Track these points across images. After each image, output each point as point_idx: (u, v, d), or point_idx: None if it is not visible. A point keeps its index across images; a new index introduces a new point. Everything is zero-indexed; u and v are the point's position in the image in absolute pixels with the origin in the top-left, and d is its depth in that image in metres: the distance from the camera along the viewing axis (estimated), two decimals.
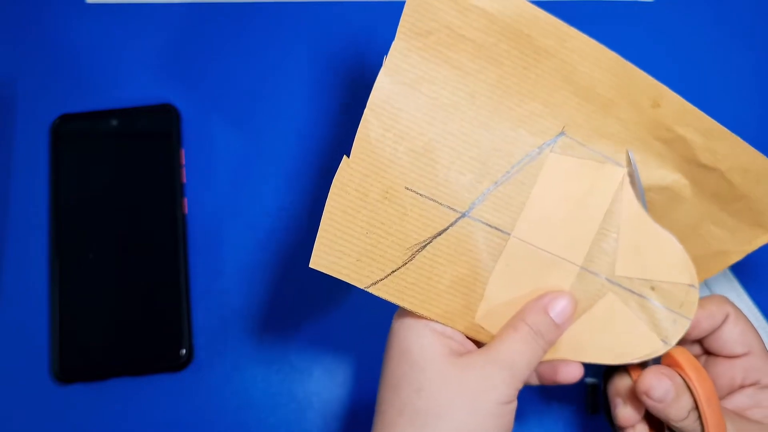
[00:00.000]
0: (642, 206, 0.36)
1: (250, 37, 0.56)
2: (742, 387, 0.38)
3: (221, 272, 0.51)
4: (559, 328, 0.36)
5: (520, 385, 0.35)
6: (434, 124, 0.35)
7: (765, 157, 0.37)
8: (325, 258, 0.36)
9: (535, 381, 0.38)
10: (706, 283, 0.50)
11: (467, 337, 0.37)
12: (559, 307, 0.36)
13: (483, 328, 0.37)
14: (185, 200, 0.52)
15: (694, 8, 0.56)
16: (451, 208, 0.36)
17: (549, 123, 0.36)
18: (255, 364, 0.50)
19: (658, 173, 0.37)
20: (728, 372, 0.38)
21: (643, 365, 0.37)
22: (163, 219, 0.51)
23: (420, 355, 0.34)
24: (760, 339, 0.38)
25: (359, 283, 0.36)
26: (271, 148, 0.54)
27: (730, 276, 0.51)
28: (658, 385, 0.34)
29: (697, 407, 0.34)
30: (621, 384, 0.38)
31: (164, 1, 0.56)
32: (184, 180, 0.52)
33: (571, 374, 0.37)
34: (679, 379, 0.34)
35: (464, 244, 0.36)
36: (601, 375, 0.48)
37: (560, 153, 0.36)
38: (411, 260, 0.36)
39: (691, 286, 0.36)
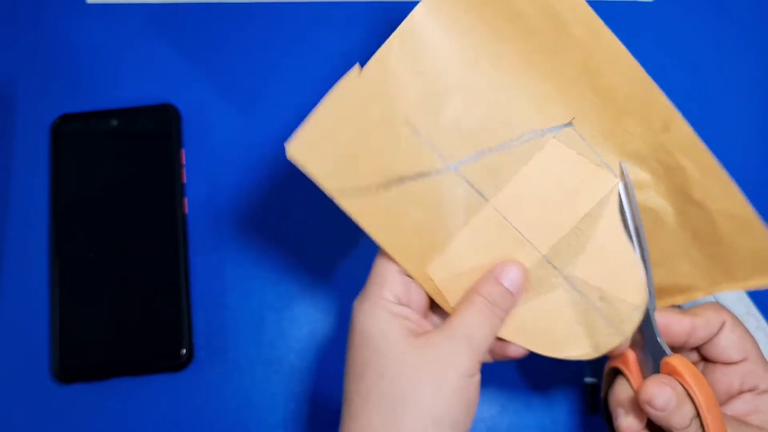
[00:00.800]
0: (636, 217, 0.36)
1: (251, 37, 0.56)
2: (740, 393, 0.38)
3: (221, 272, 0.51)
4: (514, 296, 0.36)
5: (480, 358, 0.35)
6: (453, 72, 0.35)
7: (752, 208, 0.36)
8: (304, 149, 0.34)
9: (488, 358, 0.39)
10: None
11: (428, 303, 0.37)
12: (511, 275, 0.36)
13: (439, 289, 0.36)
14: (185, 200, 0.52)
15: (694, 8, 0.56)
16: (442, 157, 0.36)
17: (560, 110, 0.36)
18: (255, 364, 0.50)
19: (648, 194, 0.37)
20: (726, 378, 0.38)
21: (644, 374, 0.37)
22: (163, 219, 0.51)
23: (380, 340, 0.34)
24: (756, 345, 0.38)
25: (328, 185, 0.34)
26: (272, 148, 0.54)
27: None
28: (660, 394, 0.34)
29: (698, 415, 0.34)
30: (622, 394, 0.38)
31: (164, 1, 0.56)
32: (185, 180, 0.52)
33: (520, 349, 0.37)
34: (679, 388, 0.34)
35: (442, 196, 0.36)
36: (601, 375, 0.48)
37: (562, 142, 0.36)
38: (386, 189, 0.35)
39: (637, 308, 0.36)
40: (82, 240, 0.51)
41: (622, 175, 0.37)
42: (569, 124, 0.36)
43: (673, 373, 0.35)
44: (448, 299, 0.37)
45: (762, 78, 0.56)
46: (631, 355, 0.38)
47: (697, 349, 0.39)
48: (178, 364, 0.49)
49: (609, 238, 0.37)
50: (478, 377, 0.34)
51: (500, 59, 0.35)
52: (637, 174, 0.37)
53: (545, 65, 0.35)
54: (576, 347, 0.37)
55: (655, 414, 0.34)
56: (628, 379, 0.38)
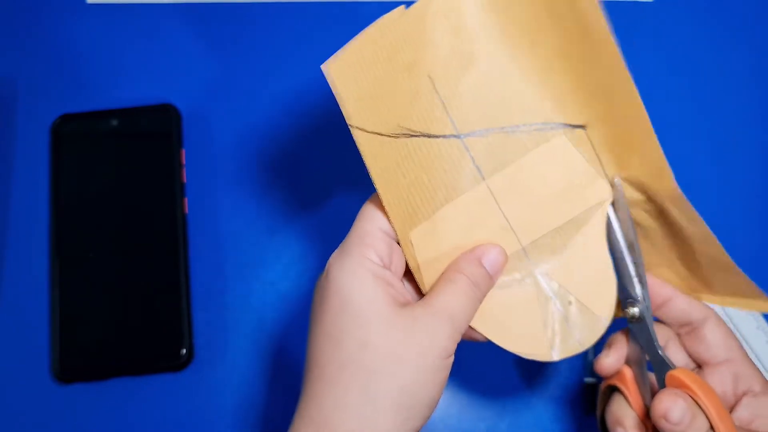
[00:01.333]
0: (629, 231, 0.36)
1: (251, 37, 0.56)
2: (736, 397, 0.37)
3: (221, 272, 0.51)
4: (492, 279, 0.35)
5: (459, 338, 0.34)
6: (486, 42, 0.35)
7: (730, 258, 0.36)
8: (338, 70, 0.34)
9: None
10: None
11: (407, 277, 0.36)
12: (491, 257, 0.35)
13: (415, 256, 0.36)
14: (185, 200, 0.52)
15: (694, 8, 0.56)
16: (452, 123, 0.35)
17: (578, 111, 0.36)
18: (255, 364, 0.50)
19: (638, 212, 0.37)
20: (717, 382, 0.37)
21: (641, 391, 0.37)
22: (163, 219, 0.51)
23: (364, 306, 0.32)
24: (740, 346, 0.38)
25: (347, 113, 0.34)
26: (272, 148, 0.54)
27: None
28: (675, 407, 0.33)
29: (712, 427, 0.33)
30: (619, 411, 0.37)
31: (164, 1, 0.56)
32: (185, 180, 0.52)
33: (480, 335, 0.36)
34: (690, 400, 0.34)
35: (443, 162, 0.36)
36: (599, 375, 0.48)
37: (569, 141, 0.36)
38: (394, 137, 0.35)
39: (603, 321, 0.36)
40: (82, 240, 0.51)
41: (616, 189, 0.36)
42: (582, 126, 0.36)
43: (680, 386, 0.34)
44: (423, 276, 0.36)
45: (762, 78, 0.56)
46: (628, 372, 0.37)
47: (685, 347, 0.39)
48: (178, 364, 0.49)
49: (590, 247, 0.36)
50: (452, 359, 0.34)
51: (535, 45, 0.35)
52: (632, 193, 0.37)
53: (576, 66, 0.35)
54: (533, 346, 0.36)
55: (671, 429, 0.33)
56: (625, 397, 0.37)
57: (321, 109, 0.55)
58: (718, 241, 0.36)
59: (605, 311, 0.36)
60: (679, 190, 0.35)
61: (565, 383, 0.49)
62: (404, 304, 0.34)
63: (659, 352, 0.36)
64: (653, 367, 0.37)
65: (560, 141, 0.36)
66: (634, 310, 0.36)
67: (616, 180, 0.36)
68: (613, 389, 0.38)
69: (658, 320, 0.39)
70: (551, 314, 0.36)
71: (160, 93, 0.54)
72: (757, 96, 0.55)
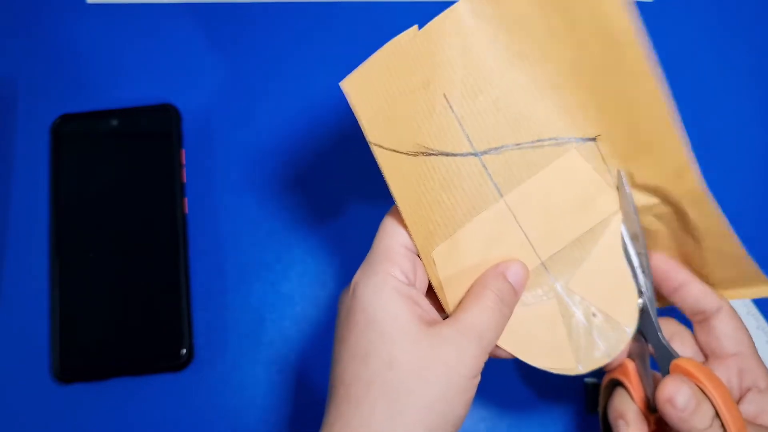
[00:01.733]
0: (635, 221, 0.36)
1: (251, 37, 0.56)
2: (740, 392, 0.37)
3: (221, 272, 0.51)
4: (517, 293, 0.35)
5: (486, 357, 0.34)
6: (500, 61, 0.35)
7: (744, 249, 0.37)
8: (355, 87, 0.35)
9: None
10: None
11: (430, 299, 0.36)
12: (514, 271, 0.35)
13: (438, 275, 0.36)
14: (185, 200, 0.52)
15: (694, 8, 0.56)
16: (469, 141, 0.36)
17: (590, 123, 0.36)
18: (255, 364, 0.50)
19: (646, 216, 0.38)
20: (724, 374, 0.37)
21: (644, 384, 0.37)
22: (163, 219, 0.51)
23: (390, 324, 0.32)
24: (751, 341, 0.38)
25: (365, 130, 0.35)
26: (272, 148, 0.54)
27: None
28: (679, 392, 0.33)
29: (717, 413, 0.33)
30: (622, 405, 0.37)
31: (164, 1, 0.56)
32: (185, 180, 0.52)
33: (504, 352, 0.36)
34: (695, 386, 0.34)
35: (462, 180, 0.36)
36: (599, 374, 0.48)
37: (581, 155, 0.36)
38: (413, 155, 0.35)
39: (627, 329, 0.36)
40: (82, 240, 0.51)
41: (620, 181, 0.37)
42: (593, 139, 0.36)
43: (685, 374, 0.34)
44: (446, 295, 0.36)
45: (762, 78, 0.56)
46: (630, 365, 0.37)
47: (696, 337, 0.39)
48: (178, 364, 0.49)
49: (607, 257, 0.37)
50: (479, 378, 0.34)
51: (547, 59, 0.35)
52: (643, 198, 0.37)
53: (589, 78, 0.35)
54: (560, 360, 0.36)
55: (676, 415, 0.33)
56: (628, 390, 0.37)
57: (321, 109, 0.55)
58: (734, 234, 0.36)
59: (628, 320, 0.36)
60: (704, 187, 0.35)
61: (565, 383, 0.49)
62: (430, 323, 0.33)
63: (663, 342, 0.36)
64: (657, 358, 0.37)
65: (572, 155, 0.36)
66: (638, 301, 0.36)
67: (618, 170, 0.36)
68: (616, 383, 0.38)
69: (662, 316, 0.39)
70: (575, 327, 0.36)
71: (160, 93, 0.54)
72: (758, 96, 0.55)
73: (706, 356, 0.38)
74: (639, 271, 0.36)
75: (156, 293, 0.50)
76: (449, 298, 0.36)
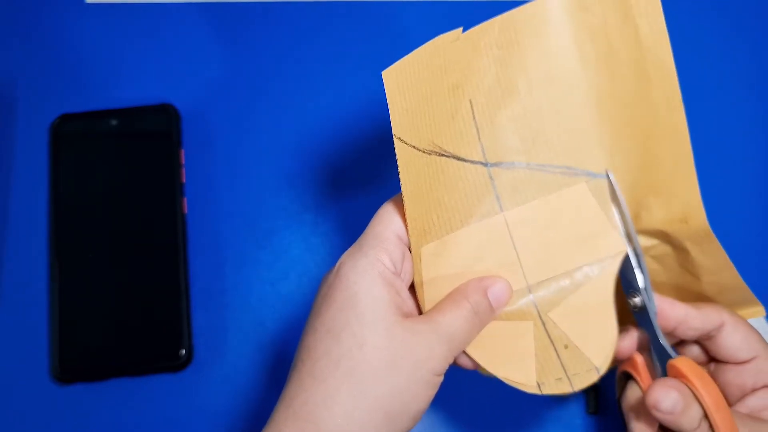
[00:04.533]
0: (629, 222, 0.36)
1: (251, 37, 0.56)
2: (753, 390, 0.37)
3: (221, 272, 0.51)
4: (494, 312, 0.36)
5: (452, 360, 0.34)
6: (529, 81, 0.35)
7: (742, 280, 0.37)
8: (391, 79, 0.35)
9: None
10: None
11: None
12: (497, 291, 0.36)
13: (421, 272, 0.36)
14: (185, 200, 0.52)
15: (694, 8, 0.56)
16: (483, 150, 0.36)
17: (602, 160, 0.36)
18: (255, 364, 0.50)
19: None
20: (738, 378, 0.38)
21: (653, 377, 0.37)
22: (162, 219, 0.51)
23: (369, 307, 0.33)
24: (764, 342, 0.38)
25: (394, 121, 0.35)
26: (271, 148, 0.54)
27: None
28: (665, 398, 0.33)
29: (706, 415, 0.34)
30: (632, 397, 0.38)
31: (164, 1, 0.56)
32: (184, 180, 0.52)
33: (470, 362, 0.37)
34: (686, 390, 0.34)
35: (466, 186, 0.36)
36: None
37: (590, 189, 0.36)
38: (427, 153, 0.36)
39: (596, 370, 0.36)
40: (82, 240, 0.51)
41: (610, 185, 0.37)
42: (605, 175, 0.36)
43: (678, 375, 0.35)
44: (424, 294, 0.36)
45: (762, 78, 0.55)
46: (639, 359, 0.38)
47: (704, 349, 0.39)
48: (178, 364, 0.49)
49: (596, 298, 0.36)
50: (442, 378, 0.34)
51: (574, 88, 0.36)
52: (645, 241, 0.37)
53: (615, 110, 0.35)
54: (522, 375, 0.36)
55: (663, 417, 0.34)
56: (638, 383, 0.38)
57: (321, 109, 0.55)
58: (734, 269, 0.36)
59: (601, 362, 0.36)
60: (709, 228, 0.35)
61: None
62: (407, 315, 0.34)
63: (660, 341, 0.36)
64: (655, 357, 0.37)
65: (581, 188, 0.36)
66: (636, 300, 0.37)
67: (609, 173, 0.36)
68: (629, 375, 0.39)
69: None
70: (546, 352, 0.37)
71: (160, 93, 0.54)
72: (758, 96, 0.55)
73: (724, 363, 0.39)
74: (637, 271, 0.36)
75: (155, 293, 0.50)
76: (427, 297, 0.36)
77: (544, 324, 0.37)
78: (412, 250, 0.36)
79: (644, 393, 0.37)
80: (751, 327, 0.38)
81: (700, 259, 0.37)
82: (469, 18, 0.37)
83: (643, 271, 0.36)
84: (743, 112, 0.55)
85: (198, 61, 0.55)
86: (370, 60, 0.55)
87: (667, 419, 0.34)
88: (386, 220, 0.35)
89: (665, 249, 0.37)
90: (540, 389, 0.36)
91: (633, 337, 0.38)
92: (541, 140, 0.36)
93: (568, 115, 0.36)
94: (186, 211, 0.52)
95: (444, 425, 0.49)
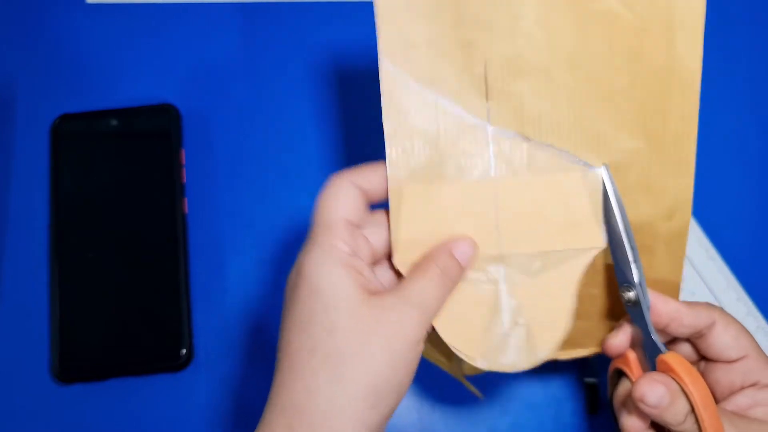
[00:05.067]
0: (623, 218, 0.36)
1: (250, 37, 0.56)
2: (742, 388, 0.38)
3: (221, 272, 0.51)
4: (462, 270, 0.36)
5: (428, 326, 0.34)
6: (554, 58, 0.35)
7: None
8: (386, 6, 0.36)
9: None
10: (697, 272, 0.51)
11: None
12: (463, 249, 0.36)
13: (399, 210, 0.36)
14: (185, 200, 0.52)
15: None
16: (488, 114, 0.36)
17: (602, 153, 0.36)
18: (255, 364, 0.50)
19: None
20: (727, 376, 0.38)
21: (644, 372, 0.37)
22: (163, 219, 0.51)
23: (332, 294, 0.33)
24: (754, 342, 0.38)
25: (382, 45, 0.36)
26: (271, 148, 0.54)
27: (730, 277, 0.51)
28: (651, 392, 0.34)
29: (693, 411, 0.34)
30: (624, 393, 0.38)
31: (164, 1, 0.56)
32: (184, 180, 0.52)
33: None
34: (674, 384, 0.34)
35: (466, 141, 0.36)
36: (599, 374, 0.48)
37: (583, 180, 0.37)
38: (426, 90, 0.36)
39: (541, 355, 0.36)
40: (82, 240, 0.51)
41: (605, 180, 0.37)
42: (601, 169, 0.37)
43: (668, 370, 0.35)
44: (397, 253, 0.36)
45: (762, 78, 0.56)
46: (632, 355, 0.38)
47: (695, 347, 0.39)
48: (178, 364, 0.49)
49: (561, 285, 0.37)
50: (423, 345, 0.34)
51: (594, 79, 0.36)
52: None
53: (626, 109, 0.36)
54: (466, 344, 0.36)
55: (649, 411, 0.34)
56: (629, 379, 0.38)
57: (322, 108, 0.55)
58: (680, 279, 0.38)
59: (546, 349, 0.37)
60: (688, 225, 0.37)
61: (565, 383, 0.49)
62: (373, 292, 0.34)
63: (651, 336, 0.36)
64: (645, 352, 0.37)
65: (575, 176, 0.37)
66: (630, 294, 0.37)
67: (605, 169, 0.37)
68: (621, 372, 0.39)
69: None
70: (497, 325, 0.37)
71: (160, 93, 0.54)
72: (758, 96, 0.55)
73: (714, 361, 0.39)
74: (633, 266, 0.37)
75: (156, 293, 0.50)
76: (400, 260, 0.36)
77: (504, 296, 0.37)
78: (392, 186, 0.36)
79: (632, 387, 0.37)
80: (742, 326, 0.38)
81: (660, 259, 0.38)
82: None
83: (638, 266, 0.37)
84: (737, 111, 0.55)
85: (198, 61, 0.55)
86: (373, 60, 0.55)
87: (653, 413, 0.34)
88: (329, 207, 0.35)
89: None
90: (478, 363, 0.36)
91: (627, 333, 0.38)
92: (548, 120, 0.36)
93: (580, 103, 0.36)
94: (186, 211, 0.52)
95: (443, 425, 0.49)
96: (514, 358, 0.37)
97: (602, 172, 0.37)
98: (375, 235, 0.36)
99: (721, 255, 0.51)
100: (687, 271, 0.51)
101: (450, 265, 0.35)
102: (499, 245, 0.36)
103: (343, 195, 0.35)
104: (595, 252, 0.37)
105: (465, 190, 0.36)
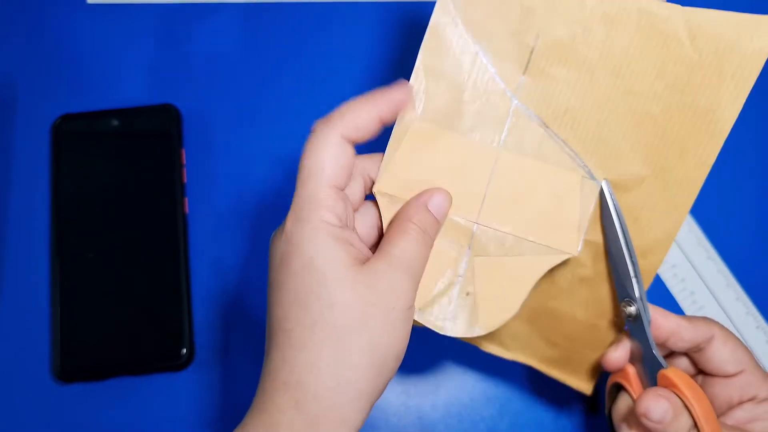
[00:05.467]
0: (624, 228, 0.36)
1: (250, 37, 0.56)
2: (740, 403, 0.38)
3: (221, 272, 0.51)
4: (438, 223, 0.36)
5: (417, 287, 0.35)
6: (601, 58, 0.35)
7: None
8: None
9: None
10: (697, 272, 0.51)
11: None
12: (437, 201, 0.36)
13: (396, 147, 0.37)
14: (186, 200, 0.52)
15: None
16: (519, 86, 0.36)
17: (608, 169, 0.36)
18: (256, 364, 0.50)
19: (565, 273, 0.39)
20: (725, 391, 0.38)
21: (644, 388, 0.37)
22: (163, 219, 0.51)
23: (329, 268, 0.33)
24: (751, 356, 0.38)
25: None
26: (272, 148, 0.54)
27: (730, 277, 0.51)
28: (655, 407, 0.34)
29: (696, 425, 0.34)
30: (624, 408, 0.38)
31: (165, 1, 0.56)
32: (185, 180, 0.52)
33: None
34: (676, 399, 0.35)
35: (488, 104, 0.36)
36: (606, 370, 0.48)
37: (581, 185, 0.37)
38: (472, 41, 0.36)
39: (477, 329, 0.37)
40: (82, 240, 0.51)
41: (602, 195, 0.37)
42: (604, 181, 0.37)
43: (670, 385, 0.35)
44: (380, 182, 0.37)
45: (763, 77, 0.56)
46: (631, 370, 0.38)
47: (692, 361, 0.40)
48: (179, 364, 0.49)
49: (524, 275, 0.37)
50: (414, 309, 0.35)
51: (631, 95, 0.35)
52: (582, 247, 0.38)
53: (646, 137, 0.36)
54: (418, 296, 0.37)
55: (653, 426, 0.34)
56: (629, 394, 0.38)
57: (322, 108, 0.55)
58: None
59: (485, 326, 0.37)
60: (656, 269, 0.37)
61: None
62: (363, 261, 0.34)
63: (653, 351, 0.36)
64: (646, 367, 0.37)
65: (574, 179, 0.37)
66: (631, 309, 0.37)
67: (604, 185, 0.37)
68: (619, 387, 0.39)
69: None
70: (447, 286, 0.37)
71: (160, 93, 0.54)
72: (758, 96, 0.55)
73: (712, 375, 0.39)
74: (634, 281, 0.37)
75: (156, 293, 0.50)
76: (388, 175, 0.37)
77: (465, 262, 0.37)
78: (398, 121, 0.36)
79: (635, 402, 0.37)
80: (740, 341, 0.38)
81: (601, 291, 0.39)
82: None
83: (638, 281, 0.37)
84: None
85: (198, 61, 0.55)
86: (372, 60, 0.55)
87: (657, 428, 0.34)
88: (315, 173, 0.34)
89: (585, 272, 0.38)
90: (417, 316, 0.36)
91: (626, 347, 0.38)
92: (572, 116, 0.36)
93: (609, 112, 0.36)
94: (187, 211, 0.52)
95: (443, 425, 0.49)
96: (448, 323, 0.37)
97: (603, 186, 0.37)
98: (357, 193, 0.37)
99: (721, 255, 0.51)
100: (687, 271, 0.51)
101: (426, 219, 0.36)
102: (479, 214, 0.37)
103: (330, 156, 0.35)
104: (565, 257, 0.37)
105: (468, 147, 0.37)
